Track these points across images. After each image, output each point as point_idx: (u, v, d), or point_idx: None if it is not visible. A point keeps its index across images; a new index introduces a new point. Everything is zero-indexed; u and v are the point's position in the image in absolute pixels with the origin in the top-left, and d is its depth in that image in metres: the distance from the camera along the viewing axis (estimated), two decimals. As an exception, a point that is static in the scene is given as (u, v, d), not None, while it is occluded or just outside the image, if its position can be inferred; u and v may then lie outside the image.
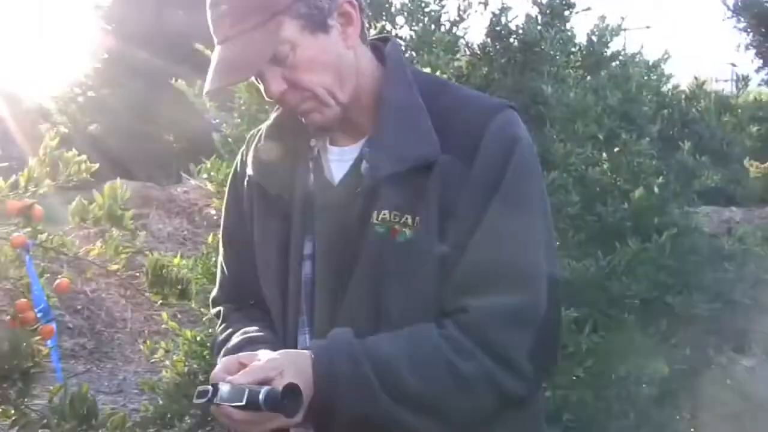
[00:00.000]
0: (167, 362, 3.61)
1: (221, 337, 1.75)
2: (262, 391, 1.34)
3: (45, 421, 1.70)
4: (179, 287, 2.10)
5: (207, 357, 3.59)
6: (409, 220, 1.50)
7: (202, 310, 3.55)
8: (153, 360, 3.88)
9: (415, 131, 1.53)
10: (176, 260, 3.22)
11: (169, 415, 3.42)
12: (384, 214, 1.51)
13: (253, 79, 1.56)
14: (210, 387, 1.39)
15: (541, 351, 1.51)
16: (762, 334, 4.00)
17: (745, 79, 5.55)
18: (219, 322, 1.85)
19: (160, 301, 2.11)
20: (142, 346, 3.93)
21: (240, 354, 1.52)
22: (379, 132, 1.56)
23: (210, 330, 3.69)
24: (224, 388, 1.38)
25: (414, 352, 1.46)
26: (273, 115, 1.73)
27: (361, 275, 1.52)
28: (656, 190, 3.61)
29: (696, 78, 4.22)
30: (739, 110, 4.15)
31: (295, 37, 1.48)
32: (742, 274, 3.92)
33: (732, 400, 6.65)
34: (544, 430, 1.74)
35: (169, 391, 3.53)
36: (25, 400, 1.73)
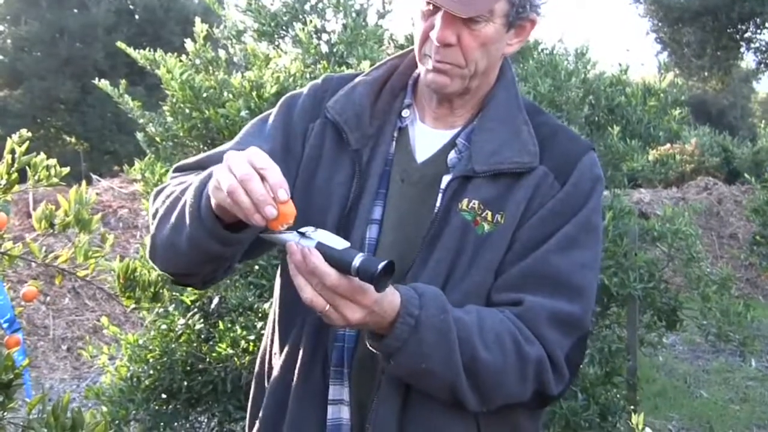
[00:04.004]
0: (111, 368, 3.52)
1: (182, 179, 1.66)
2: (360, 256, 1.32)
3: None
4: (152, 290, 2.05)
5: (150, 360, 3.52)
6: (489, 216, 1.58)
7: (143, 314, 3.47)
8: (79, 366, 3.79)
9: (518, 136, 1.64)
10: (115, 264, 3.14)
11: (116, 421, 3.34)
12: (474, 204, 1.58)
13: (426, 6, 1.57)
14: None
15: (574, 361, 1.60)
16: (692, 311, 4.13)
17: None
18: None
19: (132, 306, 2.05)
20: (67, 353, 3.84)
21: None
22: (482, 127, 1.65)
23: (152, 333, 3.62)
24: (322, 235, 1.35)
25: (483, 325, 1.49)
26: (373, 73, 1.75)
27: (440, 255, 1.57)
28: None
29: (620, 64, 4.33)
30: (661, 94, 4.25)
31: (496, 16, 1.56)
32: (672, 253, 4.04)
33: (659, 377, 6.89)
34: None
35: (113, 397, 3.45)
36: (5, 414, 1.66)
